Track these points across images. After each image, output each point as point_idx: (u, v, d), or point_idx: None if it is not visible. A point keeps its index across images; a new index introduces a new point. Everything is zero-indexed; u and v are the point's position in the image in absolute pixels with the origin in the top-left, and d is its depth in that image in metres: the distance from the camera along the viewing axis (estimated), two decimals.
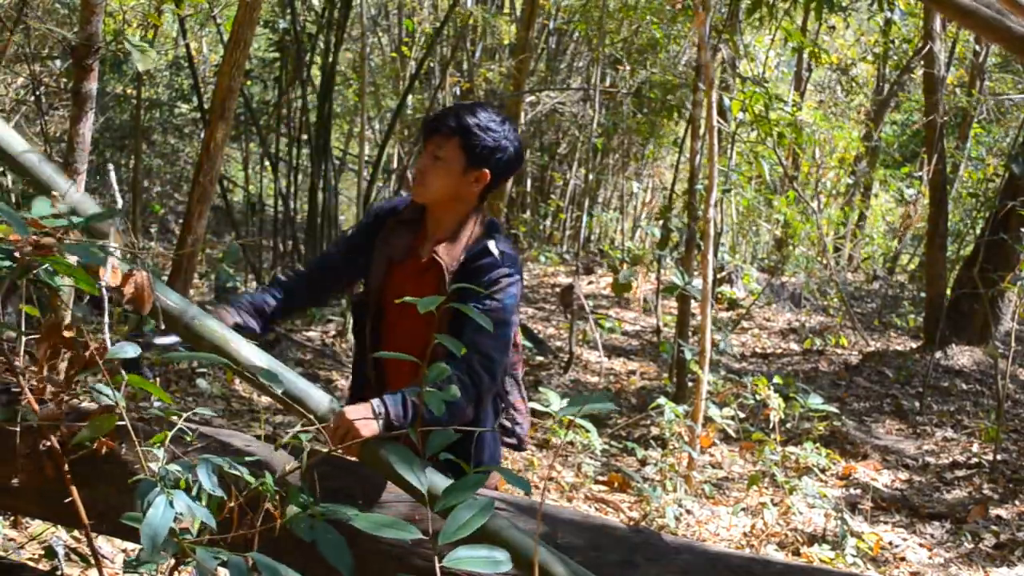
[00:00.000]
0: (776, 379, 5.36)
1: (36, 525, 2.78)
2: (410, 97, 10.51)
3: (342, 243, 2.56)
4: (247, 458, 1.89)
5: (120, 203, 2.53)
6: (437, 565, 1.55)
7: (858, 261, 12.83)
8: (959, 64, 10.62)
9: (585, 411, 1.67)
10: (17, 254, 1.76)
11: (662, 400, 4.56)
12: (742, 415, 5.45)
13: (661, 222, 7.22)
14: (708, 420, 4.82)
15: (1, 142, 2.11)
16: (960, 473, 5.26)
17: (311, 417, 1.97)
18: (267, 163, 8.19)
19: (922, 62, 8.47)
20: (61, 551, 2.58)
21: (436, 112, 2.32)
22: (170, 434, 1.83)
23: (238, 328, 2.21)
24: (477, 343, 2.10)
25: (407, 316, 2.11)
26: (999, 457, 5.34)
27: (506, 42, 11.66)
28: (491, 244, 2.24)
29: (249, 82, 8.30)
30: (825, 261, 10.15)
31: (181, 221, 8.09)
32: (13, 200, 4.37)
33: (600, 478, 4.73)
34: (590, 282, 10.64)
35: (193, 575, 1.59)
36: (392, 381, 2.31)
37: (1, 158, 2.14)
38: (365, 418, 1.95)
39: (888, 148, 12.48)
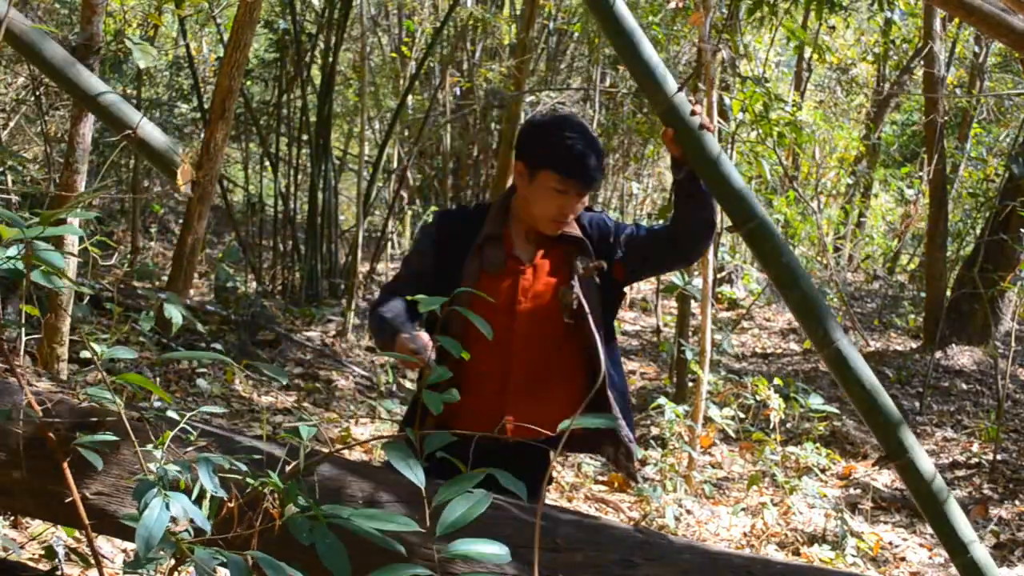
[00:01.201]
0: (776, 379, 5.36)
1: (36, 525, 2.78)
2: (410, 97, 10.52)
3: (426, 265, 2.38)
4: (252, 456, 1.89)
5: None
6: (436, 555, 1.55)
7: (858, 261, 12.82)
8: (959, 64, 10.62)
9: (584, 426, 1.67)
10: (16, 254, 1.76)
11: (662, 400, 4.56)
12: (742, 415, 5.46)
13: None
14: (708, 420, 4.82)
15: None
16: (960, 473, 5.26)
17: None
18: (267, 163, 8.19)
19: (922, 62, 8.47)
20: (61, 551, 2.58)
21: (585, 161, 2.23)
22: (171, 433, 1.83)
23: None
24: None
25: (535, 318, 2.30)
26: (999, 457, 5.34)
27: (506, 42, 11.67)
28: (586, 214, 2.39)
29: (249, 82, 8.31)
30: (825, 261, 10.14)
31: (181, 221, 8.10)
32: (13, 201, 4.37)
33: (600, 478, 4.73)
34: None
35: (193, 575, 1.59)
36: (528, 378, 2.32)
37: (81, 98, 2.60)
38: None
39: (888, 148, 12.48)
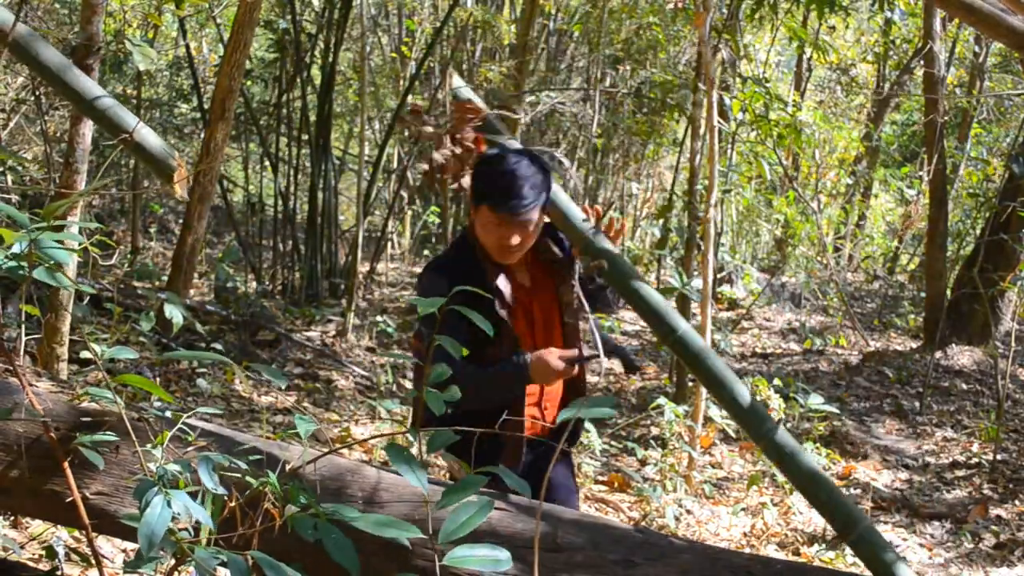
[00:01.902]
0: (776, 379, 5.36)
1: (36, 525, 2.78)
2: (410, 97, 10.52)
3: (462, 331, 2.39)
4: (252, 456, 1.89)
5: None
6: (437, 563, 1.55)
7: (858, 261, 12.83)
8: (959, 64, 10.63)
9: (585, 416, 1.67)
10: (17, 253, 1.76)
11: (662, 400, 4.56)
12: None
13: (661, 222, 7.22)
14: (708, 420, 4.82)
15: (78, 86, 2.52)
16: (960, 473, 5.26)
17: None
18: (267, 163, 8.20)
19: (922, 62, 8.47)
20: (61, 551, 2.58)
21: (510, 196, 2.32)
22: (170, 433, 1.83)
23: None
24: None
25: (548, 331, 2.53)
26: (999, 457, 5.34)
27: (506, 42, 11.67)
28: (548, 236, 2.54)
29: (249, 82, 8.31)
30: (825, 261, 10.15)
31: (181, 221, 8.10)
32: (13, 201, 4.37)
33: (600, 478, 4.73)
34: None
35: (193, 575, 1.59)
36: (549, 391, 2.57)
37: (77, 102, 2.59)
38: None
39: (888, 148, 12.48)
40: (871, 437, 5.88)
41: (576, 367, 2.36)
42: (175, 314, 2.45)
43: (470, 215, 2.46)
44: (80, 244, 1.94)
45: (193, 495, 1.66)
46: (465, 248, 2.48)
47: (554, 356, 2.33)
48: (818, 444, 5.06)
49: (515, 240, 2.37)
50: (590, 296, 2.53)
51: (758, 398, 5.18)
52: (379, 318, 7.05)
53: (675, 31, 8.95)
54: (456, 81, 2.56)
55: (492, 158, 2.40)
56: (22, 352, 3.64)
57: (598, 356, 2.34)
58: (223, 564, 1.57)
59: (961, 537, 4.33)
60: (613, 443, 5.25)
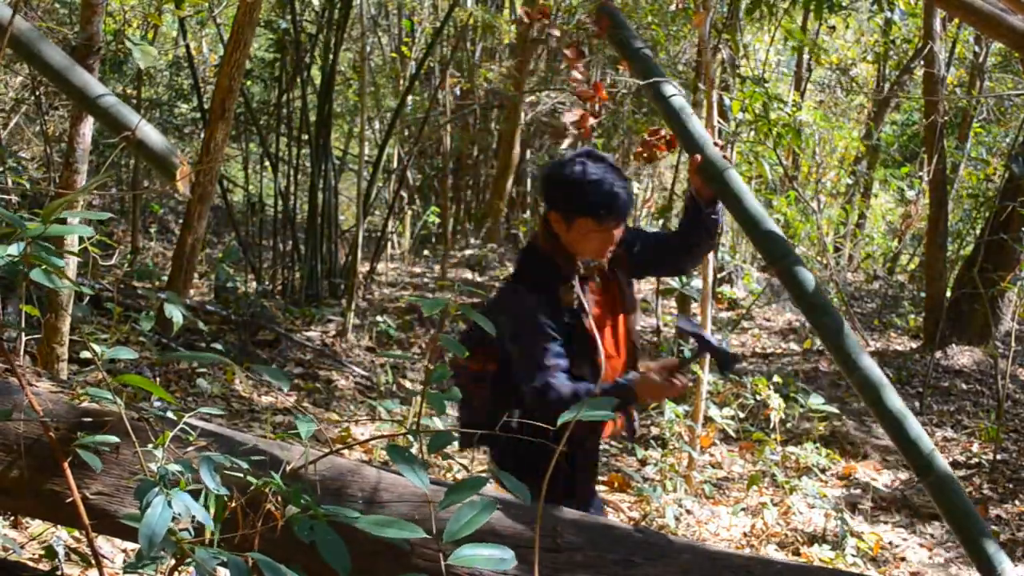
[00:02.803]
0: (776, 379, 5.36)
1: (36, 525, 2.78)
2: (410, 97, 10.52)
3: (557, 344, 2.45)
4: (253, 457, 1.89)
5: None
6: (443, 563, 1.55)
7: (858, 261, 12.82)
8: (959, 64, 10.62)
9: (585, 417, 1.68)
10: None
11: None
12: (742, 415, 5.46)
13: (661, 222, 7.22)
14: (708, 420, 4.82)
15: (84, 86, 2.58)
16: (960, 473, 5.26)
17: None
18: (267, 163, 8.20)
19: (922, 62, 8.47)
20: (61, 551, 2.58)
21: (616, 199, 2.36)
22: (171, 433, 1.83)
23: None
24: None
25: (608, 334, 2.53)
26: (999, 457, 5.34)
27: (506, 42, 11.67)
28: None
29: (249, 82, 8.31)
30: (825, 261, 10.14)
31: (181, 221, 8.09)
32: (13, 201, 4.37)
33: (600, 478, 4.73)
34: None
35: (193, 575, 1.59)
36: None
37: (80, 100, 2.65)
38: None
39: (888, 148, 12.47)
40: (871, 437, 5.88)
41: (681, 382, 2.34)
42: (175, 314, 2.44)
43: (546, 226, 2.42)
44: (82, 241, 1.94)
45: (194, 495, 1.66)
46: (539, 261, 2.45)
47: (657, 373, 2.32)
48: (818, 444, 5.07)
49: (615, 243, 2.42)
50: (702, 224, 2.56)
51: (758, 397, 5.19)
52: (379, 318, 7.04)
53: (675, 31, 8.94)
54: None
55: (574, 167, 2.37)
56: (22, 352, 3.64)
57: (699, 358, 2.37)
58: (223, 564, 1.57)
59: None
60: (613, 443, 5.24)
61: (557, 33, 2.58)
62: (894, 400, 2.50)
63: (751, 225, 2.61)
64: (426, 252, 11.05)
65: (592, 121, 2.64)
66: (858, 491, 4.87)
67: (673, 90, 2.71)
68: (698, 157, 2.57)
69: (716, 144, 2.60)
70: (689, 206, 2.60)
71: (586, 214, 2.34)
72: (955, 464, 5.41)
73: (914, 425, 2.49)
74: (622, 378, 2.37)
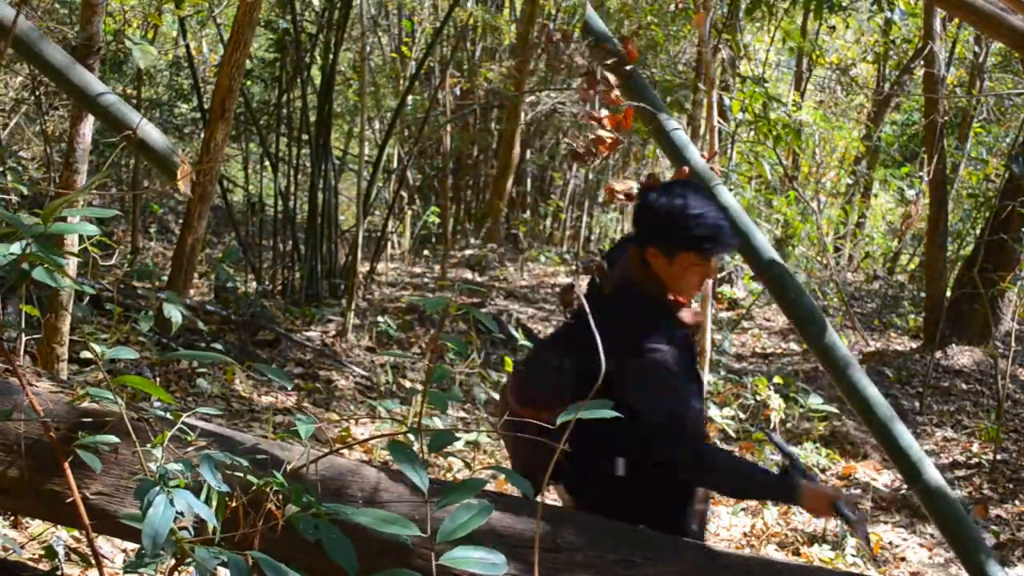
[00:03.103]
0: (776, 379, 5.36)
1: (36, 525, 2.78)
2: (410, 97, 10.52)
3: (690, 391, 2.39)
4: (256, 455, 1.89)
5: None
6: (434, 563, 1.55)
7: (858, 261, 12.82)
8: (959, 64, 10.62)
9: (585, 416, 1.67)
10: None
11: None
12: (742, 415, 5.46)
13: None
14: (708, 420, 4.82)
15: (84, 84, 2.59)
16: (960, 473, 5.26)
17: None
18: (267, 163, 8.20)
19: (922, 62, 8.47)
20: (61, 551, 2.58)
21: (721, 232, 2.30)
22: (170, 433, 1.83)
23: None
24: None
25: None
26: (999, 457, 5.34)
27: (506, 42, 11.67)
28: None
29: (249, 82, 8.31)
30: (825, 261, 10.14)
31: (181, 221, 8.09)
32: (13, 201, 4.37)
33: None
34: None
35: (193, 575, 1.59)
36: None
37: (80, 99, 2.66)
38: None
39: (888, 148, 12.47)
40: (871, 437, 5.88)
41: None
42: (175, 314, 2.44)
43: (652, 260, 2.31)
44: (84, 240, 1.94)
45: (194, 495, 1.66)
46: (646, 303, 2.33)
47: (830, 494, 2.27)
48: (818, 444, 5.07)
49: (712, 277, 2.37)
50: None
51: (758, 397, 5.19)
52: (379, 318, 7.05)
53: (675, 31, 8.95)
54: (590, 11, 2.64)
55: (677, 202, 2.28)
56: (22, 352, 3.64)
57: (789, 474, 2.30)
58: (223, 564, 1.57)
59: None
60: None
61: (581, 60, 2.57)
62: (883, 409, 2.52)
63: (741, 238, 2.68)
64: (426, 252, 11.06)
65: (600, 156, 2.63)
66: (858, 491, 4.87)
67: (675, 124, 2.75)
68: (686, 169, 2.60)
69: (710, 157, 2.66)
70: None
71: (691, 248, 2.26)
72: (955, 464, 5.41)
73: (903, 433, 2.51)
74: (793, 477, 2.27)
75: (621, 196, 2.54)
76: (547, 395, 2.27)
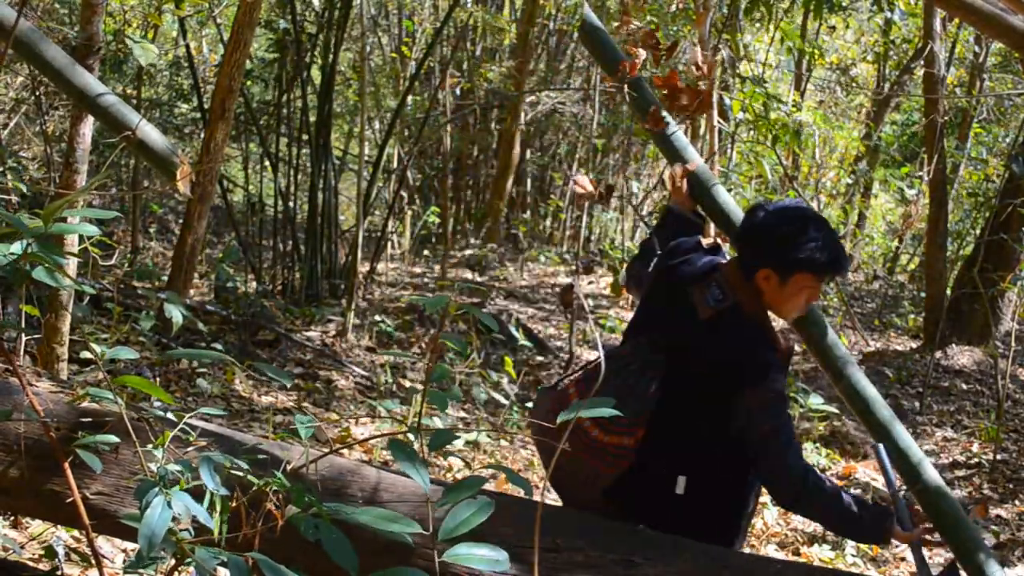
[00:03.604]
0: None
1: (36, 525, 2.78)
2: (410, 97, 10.52)
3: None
4: (256, 455, 1.89)
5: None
6: (436, 560, 1.55)
7: (858, 261, 12.82)
8: (959, 64, 10.62)
9: (586, 415, 1.67)
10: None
11: None
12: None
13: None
14: None
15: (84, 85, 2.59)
16: (960, 473, 5.26)
17: None
18: (267, 163, 8.20)
19: (922, 62, 8.47)
20: (61, 551, 2.58)
21: (840, 254, 2.30)
22: (171, 433, 1.83)
23: None
24: None
25: None
26: (999, 457, 5.34)
27: (506, 42, 11.67)
28: None
29: (249, 82, 8.30)
30: None
31: (181, 221, 8.09)
32: (13, 201, 4.37)
33: None
34: (590, 282, 10.64)
35: (193, 575, 1.59)
36: None
37: (80, 100, 2.66)
38: None
39: (888, 148, 12.47)
40: (871, 437, 5.88)
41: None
42: (175, 314, 2.44)
43: (762, 283, 2.29)
44: (82, 240, 1.94)
45: (193, 495, 1.65)
46: (759, 329, 2.33)
47: (912, 538, 2.30)
48: (818, 444, 5.07)
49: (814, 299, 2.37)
50: (689, 228, 2.59)
51: None
52: (379, 318, 7.04)
53: (675, 31, 8.94)
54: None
55: (796, 225, 2.26)
56: (22, 352, 3.64)
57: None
58: (223, 564, 1.57)
59: None
60: None
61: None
62: (882, 410, 2.53)
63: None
64: (426, 252, 11.06)
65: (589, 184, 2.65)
66: (858, 491, 4.86)
67: (675, 127, 2.74)
68: (679, 168, 2.61)
69: (710, 157, 2.70)
70: (671, 218, 2.62)
71: (808, 270, 2.25)
72: (955, 464, 5.41)
73: (903, 435, 2.52)
74: (890, 521, 2.28)
75: (584, 190, 2.55)
76: (622, 421, 2.17)
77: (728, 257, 2.47)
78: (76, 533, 2.74)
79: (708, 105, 2.60)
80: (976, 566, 2.37)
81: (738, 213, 2.62)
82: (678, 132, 2.75)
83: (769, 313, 2.37)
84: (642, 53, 2.61)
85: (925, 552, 2.33)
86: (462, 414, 5.48)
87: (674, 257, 2.46)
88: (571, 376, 2.46)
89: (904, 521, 2.28)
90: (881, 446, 2.44)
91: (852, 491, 2.39)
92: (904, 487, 2.48)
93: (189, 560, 1.60)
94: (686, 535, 2.24)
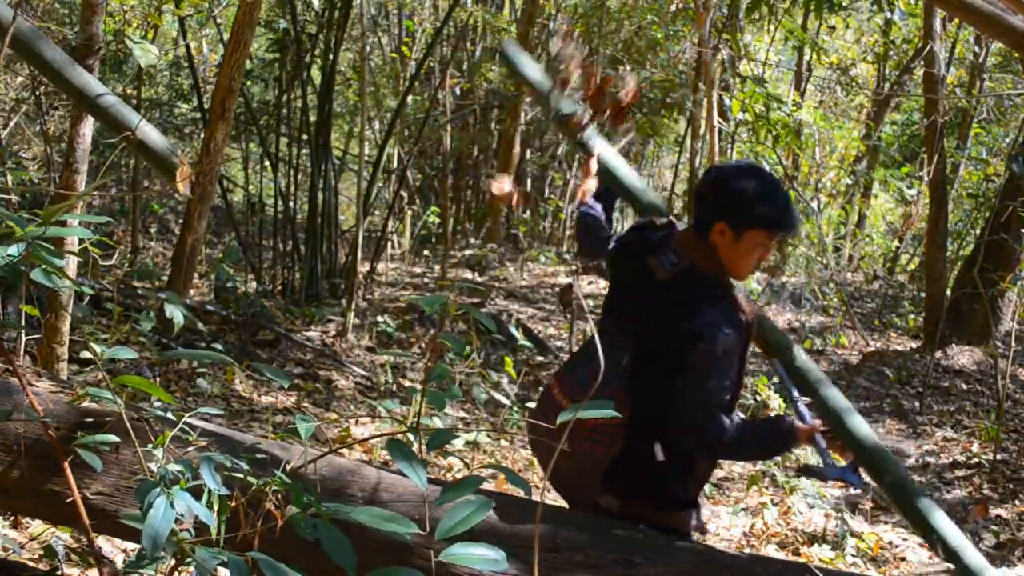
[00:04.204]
0: (776, 379, 5.35)
1: (36, 525, 2.78)
2: (410, 97, 10.52)
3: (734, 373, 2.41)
4: (256, 455, 1.89)
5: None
6: (433, 560, 1.55)
7: (858, 261, 12.83)
8: (959, 64, 10.62)
9: (586, 415, 1.67)
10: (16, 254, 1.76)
11: None
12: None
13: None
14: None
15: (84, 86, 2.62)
16: (960, 473, 5.26)
17: None
18: (267, 163, 8.20)
19: (922, 62, 8.47)
20: (61, 551, 2.58)
21: (791, 212, 2.32)
22: (171, 433, 1.83)
23: None
24: None
25: None
26: (999, 457, 5.34)
27: None
28: None
29: (249, 82, 8.31)
30: (825, 261, 10.14)
31: (181, 221, 8.09)
32: (13, 201, 4.37)
33: None
34: (590, 282, 10.64)
35: (193, 575, 1.59)
36: None
37: (79, 100, 2.70)
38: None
39: (888, 148, 12.48)
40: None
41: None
42: (175, 314, 2.44)
43: (716, 238, 2.30)
44: (82, 242, 1.94)
45: (193, 494, 1.66)
46: (715, 286, 2.33)
47: (813, 430, 2.36)
48: None
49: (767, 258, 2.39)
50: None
51: (758, 397, 5.19)
52: (379, 318, 7.05)
53: (675, 31, 8.95)
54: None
55: (752, 181, 2.29)
56: (22, 352, 3.64)
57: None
58: (223, 564, 1.57)
59: None
60: None
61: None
62: (860, 426, 2.58)
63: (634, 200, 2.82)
64: (426, 252, 11.06)
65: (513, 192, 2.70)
66: (858, 491, 4.87)
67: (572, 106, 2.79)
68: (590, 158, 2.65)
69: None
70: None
71: (761, 226, 2.27)
72: (955, 464, 5.41)
73: (860, 425, 2.60)
74: (785, 422, 2.34)
75: (501, 192, 2.57)
76: (597, 387, 2.19)
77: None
78: (76, 533, 2.74)
79: (622, 120, 2.69)
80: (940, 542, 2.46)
81: (638, 184, 2.82)
82: (596, 136, 2.79)
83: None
84: (575, 75, 2.66)
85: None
86: (462, 414, 5.48)
87: (630, 236, 2.55)
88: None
89: (804, 420, 2.38)
90: (777, 360, 2.60)
91: (745, 416, 2.44)
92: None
93: (189, 560, 1.60)
94: (666, 504, 2.29)
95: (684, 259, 2.33)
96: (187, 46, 7.69)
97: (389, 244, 10.46)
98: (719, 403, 2.26)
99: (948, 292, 7.93)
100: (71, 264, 3.48)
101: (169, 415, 2.11)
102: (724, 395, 2.27)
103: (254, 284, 7.56)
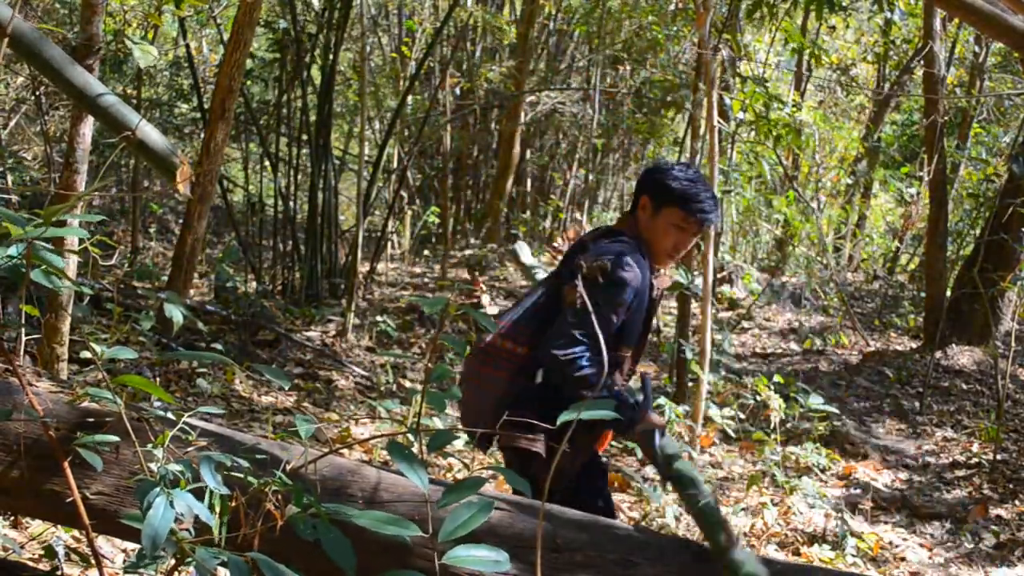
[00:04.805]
0: (776, 379, 5.36)
1: (36, 525, 2.78)
2: (410, 97, 10.52)
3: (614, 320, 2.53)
4: (256, 455, 1.89)
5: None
6: (436, 562, 1.55)
7: (858, 261, 12.83)
8: (959, 64, 10.62)
9: (586, 417, 1.67)
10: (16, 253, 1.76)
11: (662, 400, 4.55)
12: (742, 415, 5.45)
13: None
14: (708, 420, 4.82)
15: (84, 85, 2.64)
16: (960, 473, 5.25)
17: None
18: (267, 163, 8.20)
19: (922, 62, 8.47)
20: (61, 551, 2.58)
21: (709, 200, 2.51)
22: (171, 433, 1.83)
23: None
24: None
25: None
26: (999, 457, 5.34)
27: (506, 42, 11.66)
28: None
29: (249, 82, 8.31)
30: (825, 261, 10.15)
31: (181, 221, 8.09)
32: (13, 201, 4.37)
33: None
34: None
35: (193, 575, 1.59)
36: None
37: (79, 100, 2.73)
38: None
39: (888, 148, 12.47)
40: (871, 437, 5.89)
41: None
42: (175, 314, 2.44)
43: (640, 212, 2.54)
44: (82, 242, 1.94)
45: (195, 495, 1.66)
46: (635, 241, 2.53)
47: (656, 423, 2.44)
48: (818, 444, 5.07)
49: (686, 249, 2.55)
50: None
51: (758, 397, 5.19)
52: (379, 318, 7.05)
53: (675, 31, 8.94)
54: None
55: (686, 167, 2.55)
56: (22, 352, 3.64)
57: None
58: (223, 564, 1.57)
59: (961, 537, 4.33)
60: (613, 443, 5.24)
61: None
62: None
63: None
64: (426, 252, 11.06)
65: None
66: (858, 491, 4.87)
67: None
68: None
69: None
70: None
71: (683, 206, 2.47)
72: (955, 464, 5.41)
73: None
74: (639, 403, 2.44)
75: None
76: (509, 321, 2.48)
77: None
78: (76, 533, 2.74)
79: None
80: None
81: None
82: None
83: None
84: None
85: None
86: None
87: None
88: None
89: (648, 398, 2.47)
90: (517, 246, 2.68)
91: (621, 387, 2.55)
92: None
93: (189, 560, 1.60)
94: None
95: (613, 230, 2.59)
96: (187, 46, 7.69)
97: (389, 244, 10.46)
98: (592, 335, 2.30)
99: (948, 292, 7.93)
100: (71, 264, 3.48)
101: (169, 415, 2.11)
102: (602, 329, 2.20)
103: (254, 284, 7.56)
